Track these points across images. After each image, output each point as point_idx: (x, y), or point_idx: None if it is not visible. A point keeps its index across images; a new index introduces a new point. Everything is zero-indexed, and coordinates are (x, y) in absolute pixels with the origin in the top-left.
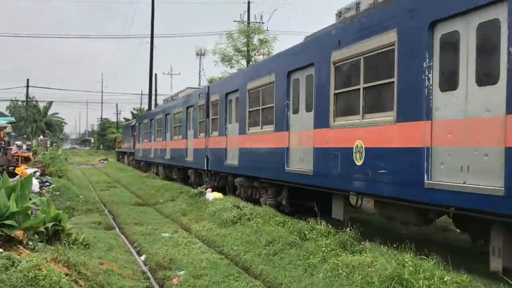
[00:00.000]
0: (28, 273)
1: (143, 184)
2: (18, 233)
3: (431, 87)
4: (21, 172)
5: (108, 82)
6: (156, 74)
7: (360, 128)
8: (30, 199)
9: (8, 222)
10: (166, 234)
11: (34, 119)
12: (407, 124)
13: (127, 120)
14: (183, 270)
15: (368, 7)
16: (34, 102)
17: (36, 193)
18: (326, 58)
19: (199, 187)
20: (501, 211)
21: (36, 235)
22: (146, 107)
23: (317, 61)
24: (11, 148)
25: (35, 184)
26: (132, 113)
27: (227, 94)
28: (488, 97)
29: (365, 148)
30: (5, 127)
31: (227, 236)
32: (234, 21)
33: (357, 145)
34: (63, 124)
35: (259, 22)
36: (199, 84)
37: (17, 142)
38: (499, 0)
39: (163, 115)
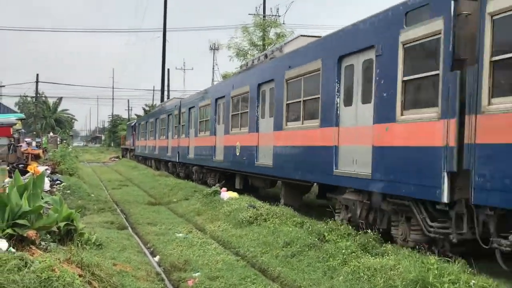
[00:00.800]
0: (41, 274)
1: (156, 182)
2: (31, 233)
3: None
4: (33, 170)
5: (120, 78)
6: (168, 69)
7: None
8: (42, 198)
9: (20, 221)
10: (181, 235)
11: (43, 116)
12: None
13: (138, 116)
14: (198, 272)
15: None
16: (43, 98)
17: (47, 191)
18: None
19: (213, 186)
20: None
21: (48, 235)
22: (158, 103)
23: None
24: (21, 145)
25: (46, 182)
26: (144, 109)
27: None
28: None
29: (240, 146)
30: (15, 124)
31: (243, 237)
32: (249, 14)
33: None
34: (73, 120)
35: (276, 15)
36: (213, 80)
37: (26, 139)
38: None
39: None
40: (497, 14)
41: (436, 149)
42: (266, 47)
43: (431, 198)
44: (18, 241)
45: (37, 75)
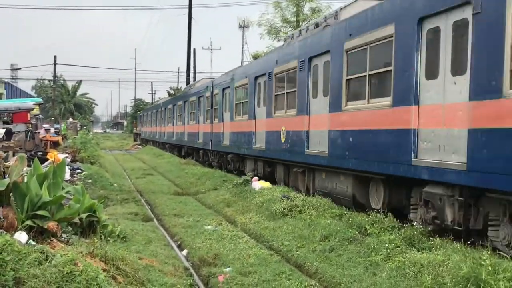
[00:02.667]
0: (63, 268)
1: (182, 171)
2: (52, 225)
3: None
4: (54, 158)
5: (142, 59)
6: (194, 50)
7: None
8: (63, 188)
9: (40, 212)
10: (209, 227)
11: (62, 100)
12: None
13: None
14: (229, 267)
15: None
16: (62, 82)
17: (67, 181)
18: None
19: (244, 176)
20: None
21: (69, 227)
22: (184, 85)
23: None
24: (39, 132)
25: (66, 171)
26: (168, 92)
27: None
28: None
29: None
30: (32, 109)
31: (277, 230)
32: None
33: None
34: (93, 105)
35: None
36: (242, 60)
37: (44, 125)
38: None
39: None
40: None
41: None
42: (301, 23)
43: None
44: (38, 233)
45: (55, 56)
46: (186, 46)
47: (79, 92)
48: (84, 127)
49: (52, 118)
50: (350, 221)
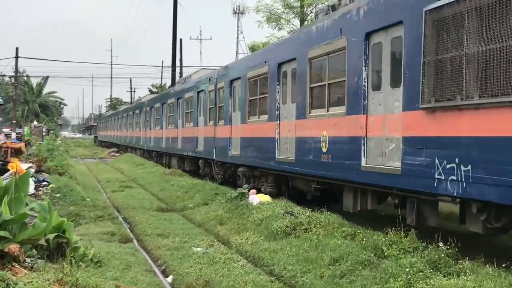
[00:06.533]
0: None
1: (167, 183)
2: (13, 248)
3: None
4: (15, 169)
5: (120, 52)
6: (181, 40)
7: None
8: (26, 204)
9: (0, 233)
10: (199, 249)
11: (25, 100)
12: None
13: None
14: None
15: None
16: (25, 78)
17: (31, 195)
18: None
19: (240, 188)
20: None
21: (34, 250)
22: (168, 82)
23: None
24: None
25: (31, 184)
26: (150, 90)
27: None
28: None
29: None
30: None
31: (278, 252)
32: None
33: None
34: (62, 106)
35: None
36: (237, 52)
37: (4, 130)
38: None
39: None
40: None
41: None
42: (306, 9)
43: None
44: None
45: (17, 49)
46: (172, 36)
47: (45, 91)
48: (51, 132)
49: (14, 122)
50: (364, 241)
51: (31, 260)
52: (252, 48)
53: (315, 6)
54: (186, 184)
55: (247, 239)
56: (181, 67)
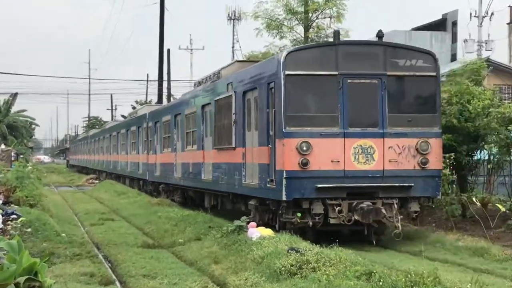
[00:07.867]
0: None
1: (154, 215)
2: None
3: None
4: None
5: (99, 65)
6: (169, 50)
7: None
8: None
9: None
10: None
11: None
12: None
13: (124, 117)
14: None
15: None
16: None
17: None
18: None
19: (237, 221)
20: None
21: None
22: (154, 98)
23: None
24: None
25: None
26: (133, 107)
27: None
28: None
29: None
30: None
31: None
32: None
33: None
34: (33, 126)
35: None
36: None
37: None
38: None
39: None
40: None
41: None
42: (311, 14)
43: None
44: None
45: None
46: (158, 45)
47: (13, 109)
48: (21, 156)
49: None
50: (381, 283)
51: None
52: (249, 58)
53: (321, 12)
54: (175, 216)
55: (246, 279)
56: (168, 81)
